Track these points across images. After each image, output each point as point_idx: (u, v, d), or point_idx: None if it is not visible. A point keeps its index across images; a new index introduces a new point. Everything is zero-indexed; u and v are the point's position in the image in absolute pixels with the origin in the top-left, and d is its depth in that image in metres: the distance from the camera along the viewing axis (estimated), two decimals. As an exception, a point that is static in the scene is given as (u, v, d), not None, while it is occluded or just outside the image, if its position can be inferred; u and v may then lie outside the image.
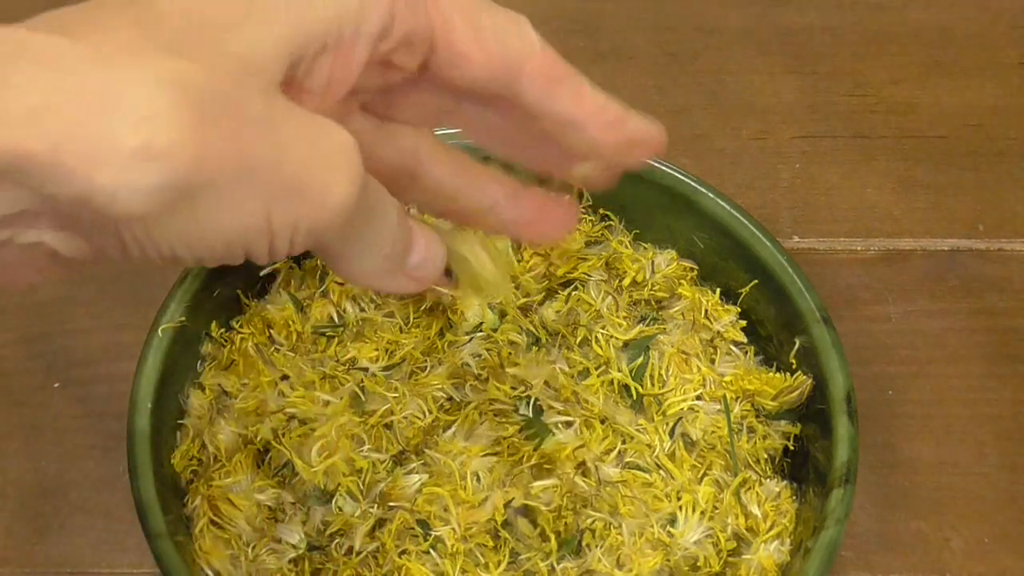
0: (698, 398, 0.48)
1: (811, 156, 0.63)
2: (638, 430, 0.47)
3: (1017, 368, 0.57)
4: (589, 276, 0.50)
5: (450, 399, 0.47)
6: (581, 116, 0.37)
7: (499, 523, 0.44)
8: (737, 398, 0.48)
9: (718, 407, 0.47)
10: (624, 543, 0.44)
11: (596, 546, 0.44)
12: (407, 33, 0.34)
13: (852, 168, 0.63)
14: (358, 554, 0.44)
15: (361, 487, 0.45)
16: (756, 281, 0.50)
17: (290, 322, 0.49)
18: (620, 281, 0.50)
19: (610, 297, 0.50)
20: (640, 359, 0.48)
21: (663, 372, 0.48)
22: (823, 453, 0.46)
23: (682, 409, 0.47)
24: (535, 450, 0.45)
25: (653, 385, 0.48)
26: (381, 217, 0.35)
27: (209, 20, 0.31)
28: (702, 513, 0.45)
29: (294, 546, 0.45)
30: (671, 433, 0.47)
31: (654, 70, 0.66)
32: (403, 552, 0.44)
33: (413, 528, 0.44)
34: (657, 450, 0.47)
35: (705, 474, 0.46)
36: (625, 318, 0.49)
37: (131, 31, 0.30)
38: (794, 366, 0.48)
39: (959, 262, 0.60)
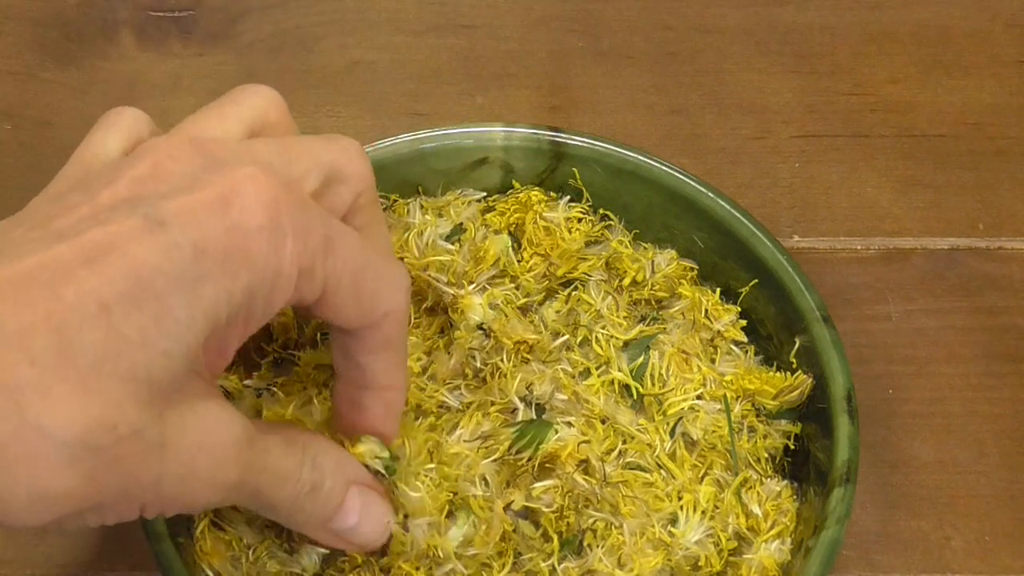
0: (698, 397, 0.48)
1: (811, 155, 0.63)
2: (639, 430, 0.47)
3: (1017, 367, 0.57)
4: (589, 276, 0.50)
5: (446, 404, 0.47)
6: (375, 377, 0.42)
7: (508, 530, 0.44)
8: (737, 397, 0.48)
9: (718, 407, 0.47)
10: (625, 543, 0.44)
11: (597, 546, 0.44)
12: (303, 297, 0.37)
13: (852, 167, 0.63)
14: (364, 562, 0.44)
15: None
16: (756, 280, 0.50)
17: (289, 328, 0.49)
18: (620, 281, 0.50)
19: (610, 297, 0.50)
20: (640, 359, 0.48)
21: (663, 372, 0.48)
22: (823, 452, 0.46)
23: (683, 409, 0.47)
24: (536, 450, 0.45)
25: (653, 385, 0.48)
26: (277, 488, 0.39)
27: (115, 331, 0.33)
28: (703, 513, 0.45)
29: (304, 568, 0.45)
30: (672, 433, 0.47)
31: (654, 70, 0.66)
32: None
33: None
34: (658, 450, 0.47)
35: (706, 474, 0.46)
36: (625, 318, 0.49)
37: (45, 354, 0.32)
38: (794, 365, 0.48)
39: (959, 261, 0.60)
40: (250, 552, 0.45)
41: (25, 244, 0.33)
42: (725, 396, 0.48)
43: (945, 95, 0.65)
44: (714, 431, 0.47)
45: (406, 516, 0.43)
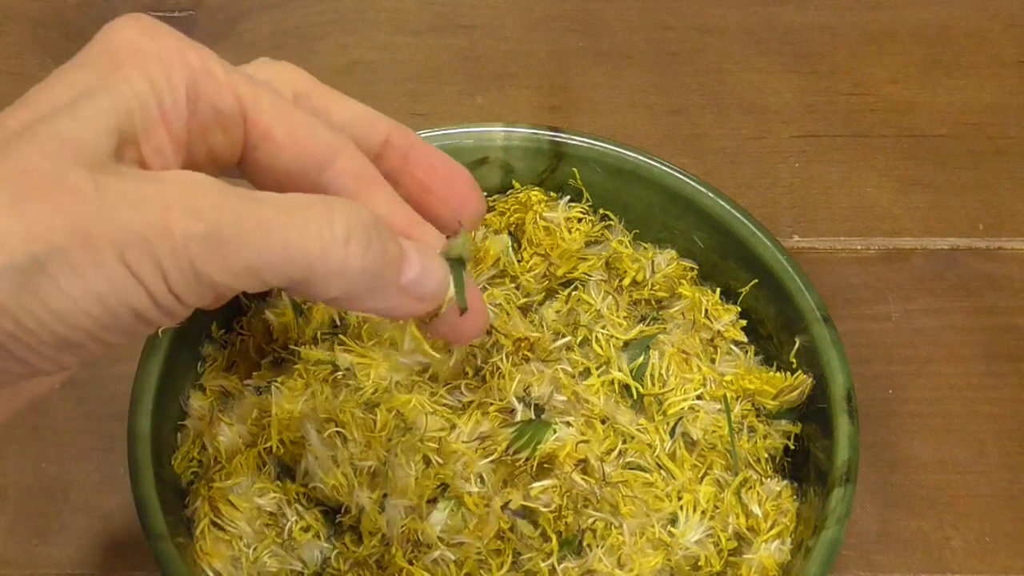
0: (698, 398, 0.48)
1: (811, 155, 0.63)
2: (639, 430, 0.47)
3: (1017, 367, 0.57)
4: (589, 276, 0.50)
5: (450, 400, 0.47)
6: (391, 219, 0.38)
7: (505, 529, 0.44)
8: (737, 397, 0.48)
9: (718, 407, 0.47)
10: (625, 543, 0.44)
11: (597, 546, 0.44)
12: (216, 108, 0.36)
13: (852, 167, 0.63)
14: (365, 559, 0.44)
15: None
16: (756, 280, 0.50)
17: (289, 328, 0.49)
18: (620, 281, 0.50)
19: (610, 297, 0.50)
20: (640, 359, 0.48)
21: (663, 372, 0.48)
22: (823, 452, 0.46)
23: (682, 409, 0.47)
24: (534, 451, 0.45)
25: (653, 385, 0.48)
26: (301, 236, 0.34)
27: (43, 109, 0.33)
28: (703, 513, 0.45)
29: (305, 564, 0.45)
30: (671, 433, 0.47)
31: (654, 70, 0.66)
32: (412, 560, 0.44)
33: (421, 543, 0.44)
34: (658, 450, 0.47)
35: (706, 474, 0.46)
36: (625, 318, 0.49)
37: None
38: (794, 365, 0.48)
39: (959, 261, 0.60)
40: (250, 552, 0.45)
41: None
42: (725, 396, 0.48)
43: (945, 95, 0.65)
44: (714, 431, 0.47)
45: (384, 495, 0.43)
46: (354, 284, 0.35)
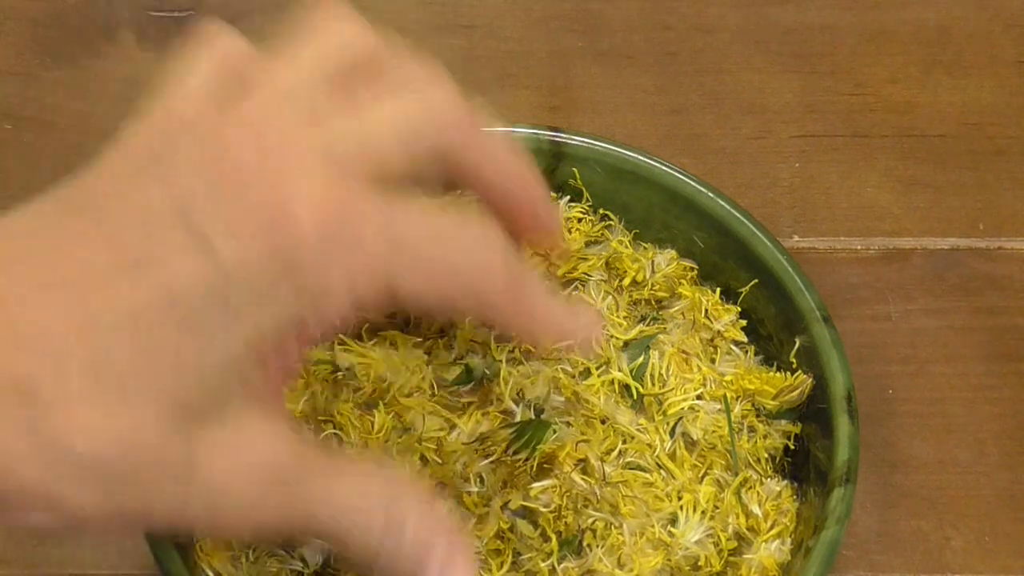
0: (699, 397, 0.47)
1: (811, 155, 0.63)
2: (639, 430, 0.47)
3: (1017, 367, 0.57)
4: (589, 276, 0.50)
5: (450, 401, 0.47)
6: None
7: (504, 529, 0.44)
8: (737, 397, 0.48)
9: (719, 407, 0.47)
10: (625, 543, 0.44)
11: (597, 546, 0.44)
12: (366, 299, 0.34)
13: (852, 167, 0.63)
14: None
15: None
16: (756, 280, 0.50)
17: None
18: (620, 281, 0.50)
19: (610, 297, 0.50)
20: (640, 359, 0.48)
21: (663, 372, 0.48)
22: (823, 452, 0.46)
23: (683, 409, 0.47)
24: (533, 451, 0.45)
25: (653, 385, 0.48)
26: (341, 521, 0.35)
27: (147, 365, 0.31)
28: (703, 513, 0.45)
29: (306, 564, 0.45)
30: (671, 433, 0.47)
31: (654, 70, 0.66)
32: None
33: None
34: (658, 450, 0.47)
35: (706, 474, 0.46)
36: (625, 318, 0.49)
37: (76, 364, 0.31)
38: (794, 365, 0.48)
39: (959, 261, 0.60)
40: (250, 552, 0.45)
41: (68, 232, 0.32)
42: (725, 396, 0.48)
43: (945, 95, 0.65)
44: (714, 431, 0.47)
45: None
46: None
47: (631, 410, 0.47)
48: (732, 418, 0.47)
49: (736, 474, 0.46)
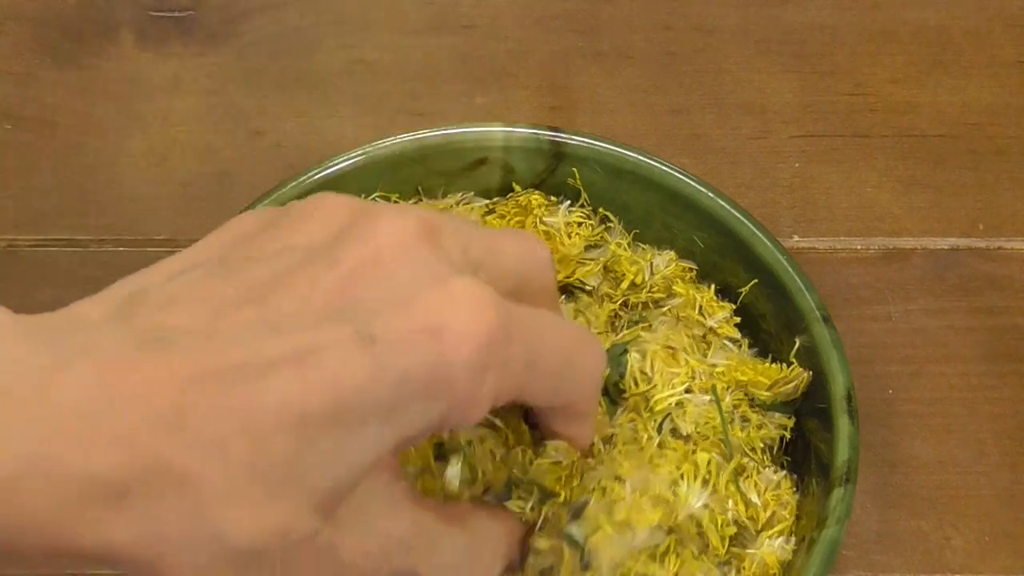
0: (687, 391, 0.47)
1: (811, 155, 0.63)
2: (630, 428, 0.47)
3: (1017, 367, 0.57)
4: (585, 284, 0.50)
5: None
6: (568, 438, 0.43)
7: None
8: (729, 388, 0.48)
9: (708, 398, 0.47)
10: (625, 498, 0.44)
11: (597, 502, 0.44)
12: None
13: (852, 167, 0.63)
14: None
15: None
16: (756, 280, 0.50)
17: None
18: (618, 285, 0.50)
19: (594, 306, 0.50)
20: (622, 361, 0.48)
21: (648, 370, 0.48)
22: (824, 451, 0.46)
23: (670, 404, 0.47)
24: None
25: (637, 385, 0.48)
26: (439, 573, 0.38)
27: (306, 462, 0.32)
28: (704, 481, 0.45)
29: None
30: (659, 429, 0.47)
31: (654, 70, 0.66)
32: None
33: None
34: (645, 446, 0.46)
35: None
36: (602, 333, 0.49)
37: (242, 461, 0.31)
38: (795, 365, 0.48)
39: (959, 261, 0.60)
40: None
41: (234, 323, 0.32)
42: (714, 386, 0.47)
43: (945, 95, 0.65)
44: (706, 423, 0.47)
45: None
46: None
47: (622, 412, 0.47)
48: (723, 407, 0.47)
49: (730, 459, 0.46)
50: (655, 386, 0.47)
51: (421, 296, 0.34)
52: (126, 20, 0.67)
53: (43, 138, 0.63)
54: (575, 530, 0.43)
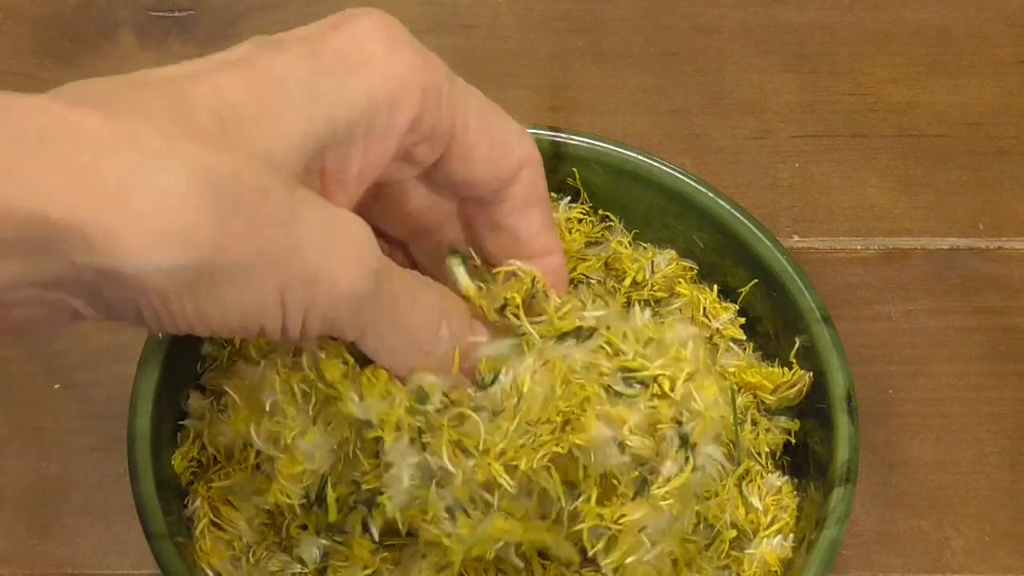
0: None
1: (811, 155, 0.63)
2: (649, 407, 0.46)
3: (1017, 367, 0.57)
4: (588, 277, 0.50)
5: None
6: (528, 241, 0.41)
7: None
8: (740, 389, 0.48)
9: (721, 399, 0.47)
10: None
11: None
12: (432, 128, 0.37)
13: (852, 167, 0.63)
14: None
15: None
16: (756, 280, 0.50)
17: None
18: (620, 282, 0.50)
19: (599, 300, 0.50)
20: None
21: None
22: (823, 446, 0.46)
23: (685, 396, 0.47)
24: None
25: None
26: (408, 306, 0.37)
27: (236, 113, 0.33)
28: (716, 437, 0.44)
29: (304, 564, 0.44)
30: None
31: (654, 70, 0.66)
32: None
33: None
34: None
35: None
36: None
37: (163, 115, 0.32)
38: (795, 365, 0.48)
39: (959, 261, 0.60)
40: (250, 552, 0.45)
41: (176, 67, 0.34)
42: (731, 387, 0.47)
43: (945, 95, 0.65)
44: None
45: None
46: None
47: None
48: (737, 409, 0.47)
49: (739, 463, 0.46)
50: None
51: (329, 21, 0.36)
52: (126, 20, 0.67)
53: (43, 138, 0.63)
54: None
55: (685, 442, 0.41)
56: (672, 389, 0.40)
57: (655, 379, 0.41)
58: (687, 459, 0.41)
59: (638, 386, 0.40)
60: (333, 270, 0.34)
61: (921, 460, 0.54)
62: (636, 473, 0.40)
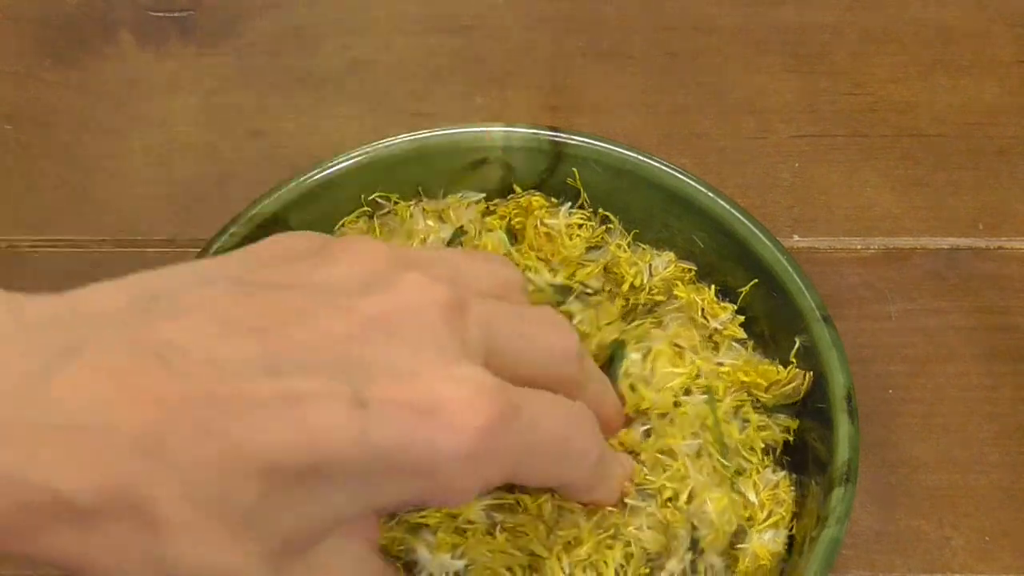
0: (686, 392, 0.47)
1: (811, 155, 0.63)
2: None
3: (1017, 366, 0.57)
4: (586, 286, 0.50)
5: None
6: None
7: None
8: (732, 388, 0.48)
9: (705, 397, 0.47)
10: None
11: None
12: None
13: (852, 167, 0.63)
14: None
15: None
16: (756, 280, 0.50)
17: None
18: (619, 286, 0.50)
19: (591, 310, 0.50)
20: (613, 369, 0.48)
21: (648, 370, 0.47)
22: (822, 443, 0.46)
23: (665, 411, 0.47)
24: None
25: (632, 389, 0.47)
26: None
27: (267, 512, 0.32)
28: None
29: None
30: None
31: (654, 70, 0.66)
32: None
33: None
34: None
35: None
36: (608, 324, 0.49)
37: (206, 503, 0.31)
38: (795, 365, 0.48)
39: (959, 260, 0.60)
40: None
41: (235, 351, 0.32)
42: (709, 388, 0.47)
43: (945, 95, 0.65)
44: (701, 423, 0.47)
45: None
46: None
47: None
48: (722, 408, 0.47)
49: (725, 459, 0.46)
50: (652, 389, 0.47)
51: (423, 373, 0.33)
52: (126, 20, 0.67)
53: (43, 138, 0.63)
54: None
55: (695, 546, 0.44)
56: (683, 499, 0.45)
57: (660, 491, 0.45)
58: (692, 562, 0.44)
59: (649, 499, 0.45)
60: None
61: (921, 460, 0.54)
62: (646, 570, 0.44)
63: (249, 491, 0.31)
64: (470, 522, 0.43)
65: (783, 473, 0.47)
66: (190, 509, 0.30)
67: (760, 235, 0.49)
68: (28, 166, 0.62)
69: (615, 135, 0.55)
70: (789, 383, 0.48)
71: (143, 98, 0.64)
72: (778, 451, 0.48)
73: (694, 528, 0.44)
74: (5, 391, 0.30)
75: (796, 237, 0.60)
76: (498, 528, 0.43)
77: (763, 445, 0.48)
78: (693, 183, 0.50)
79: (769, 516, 0.46)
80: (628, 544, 0.44)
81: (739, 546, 0.45)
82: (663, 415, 0.47)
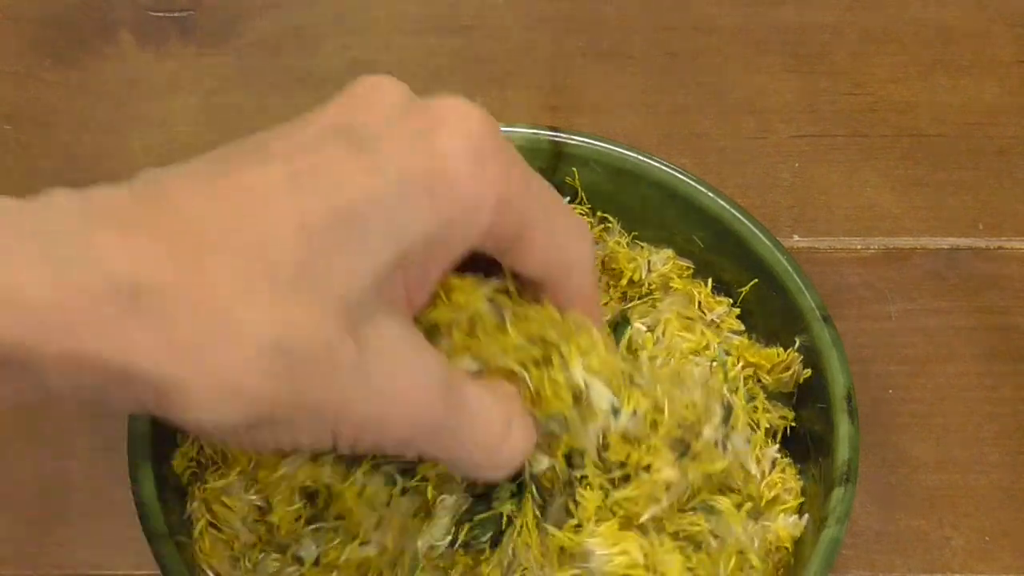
0: (695, 353, 0.47)
1: (811, 155, 0.63)
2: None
3: (1017, 366, 0.57)
4: None
5: None
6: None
7: None
8: (740, 363, 0.48)
9: (715, 361, 0.47)
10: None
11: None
12: (501, 232, 0.37)
13: (852, 167, 0.63)
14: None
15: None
16: (756, 280, 0.50)
17: None
18: (617, 281, 0.50)
19: (605, 294, 0.50)
20: (620, 333, 0.48)
21: (659, 335, 0.48)
22: (823, 453, 0.46)
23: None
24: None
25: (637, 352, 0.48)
26: (472, 424, 0.38)
27: (313, 254, 0.33)
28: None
29: (302, 562, 0.44)
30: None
31: (654, 70, 0.66)
32: None
33: None
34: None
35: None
36: (607, 304, 0.49)
37: (242, 260, 0.32)
38: (795, 347, 0.48)
39: (959, 260, 0.60)
40: (246, 557, 0.44)
41: (241, 161, 0.34)
42: (720, 348, 0.47)
43: (945, 95, 0.65)
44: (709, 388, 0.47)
45: None
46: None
47: None
48: (733, 375, 0.47)
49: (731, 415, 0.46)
50: (665, 347, 0.47)
51: (412, 108, 0.36)
52: (125, 20, 0.67)
53: (43, 138, 0.63)
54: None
55: (729, 414, 0.43)
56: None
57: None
58: (726, 436, 0.43)
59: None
60: (391, 416, 0.35)
61: (921, 460, 0.54)
62: (679, 432, 0.42)
63: (290, 253, 0.32)
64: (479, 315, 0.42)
65: (787, 460, 0.47)
66: (245, 278, 0.32)
67: (760, 235, 0.49)
68: (28, 166, 0.62)
69: (615, 135, 0.55)
70: (788, 368, 0.48)
71: (143, 98, 0.64)
72: (778, 437, 0.48)
73: (728, 397, 0.44)
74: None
75: (796, 237, 0.60)
76: (507, 323, 0.41)
77: (767, 425, 0.47)
78: (693, 183, 0.50)
79: (776, 500, 0.45)
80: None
81: (761, 522, 0.45)
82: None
